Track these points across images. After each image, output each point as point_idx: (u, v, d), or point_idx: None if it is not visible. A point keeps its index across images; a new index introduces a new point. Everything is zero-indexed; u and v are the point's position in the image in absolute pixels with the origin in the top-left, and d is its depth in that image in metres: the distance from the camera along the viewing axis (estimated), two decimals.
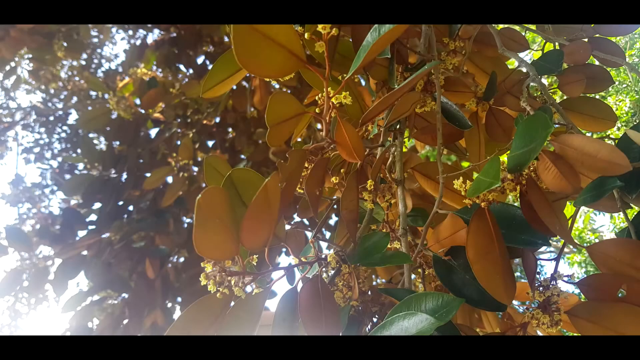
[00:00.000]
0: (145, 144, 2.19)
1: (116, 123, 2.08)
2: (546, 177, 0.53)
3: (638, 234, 0.58)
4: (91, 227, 1.92)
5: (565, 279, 0.58)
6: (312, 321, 0.53)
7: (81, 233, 1.89)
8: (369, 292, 0.69)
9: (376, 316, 0.68)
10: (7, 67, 2.61)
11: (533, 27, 0.93)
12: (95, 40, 4.05)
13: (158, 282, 1.89)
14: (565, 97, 0.85)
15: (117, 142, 2.15)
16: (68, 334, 1.83)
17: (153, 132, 2.29)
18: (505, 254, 0.55)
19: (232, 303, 0.52)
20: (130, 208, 2.08)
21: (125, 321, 1.85)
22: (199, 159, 2.28)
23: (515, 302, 0.73)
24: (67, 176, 3.41)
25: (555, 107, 0.71)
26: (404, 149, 0.77)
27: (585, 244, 0.99)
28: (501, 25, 0.93)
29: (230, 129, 2.47)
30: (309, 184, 0.64)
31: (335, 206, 0.89)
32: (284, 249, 2.06)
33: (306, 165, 0.68)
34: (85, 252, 1.83)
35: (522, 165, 0.53)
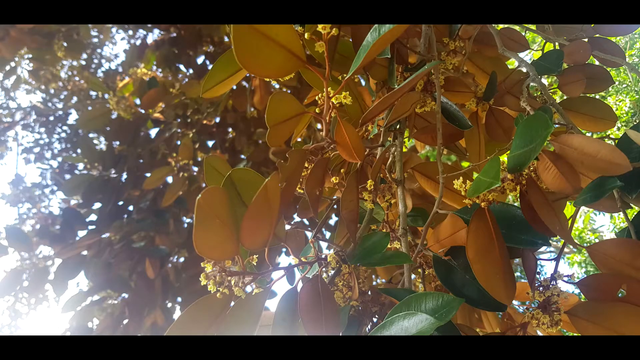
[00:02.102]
0: (145, 144, 2.19)
1: (116, 123, 2.08)
2: (546, 177, 0.53)
3: (638, 234, 0.58)
4: (91, 227, 1.92)
5: (565, 279, 0.58)
6: (312, 321, 0.53)
7: (81, 233, 1.89)
8: (369, 292, 0.69)
9: (376, 316, 0.68)
10: (7, 67, 2.61)
11: (533, 27, 0.92)
12: (95, 40, 4.05)
13: (158, 282, 1.89)
14: (565, 97, 0.85)
15: (117, 142, 2.15)
16: (68, 334, 1.83)
17: (153, 132, 2.29)
18: (505, 254, 0.55)
19: (232, 303, 0.52)
20: (130, 208, 2.08)
21: (125, 321, 1.85)
22: (199, 159, 2.28)
23: (515, 302, 0.73)
24: (67, 176, 3.41)
25: (555, 107, 0.71)
26: (404, 149, 0.77)
27: (585, 244, 0.99)
28: (501, 25, 0.93)
29: (230, 129, 2.47)
30: (309, 184, 0.64)
31: (335, 206, 0.89)
32: (284, 249, 2.06)
33: (306, 165, 0.68)
34: (85, 252, 1.83)
35: (522, 165, 0.53)
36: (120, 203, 2.04)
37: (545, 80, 0.88)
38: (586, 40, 0.89)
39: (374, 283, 1.42)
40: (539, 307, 0.56)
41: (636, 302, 0.52)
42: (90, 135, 3.06)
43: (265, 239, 0.51)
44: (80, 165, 3.27)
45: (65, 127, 4.43)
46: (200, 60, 2.45)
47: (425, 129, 0.83)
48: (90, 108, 2.78)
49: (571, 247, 4.11)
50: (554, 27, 0.91)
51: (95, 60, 4.34)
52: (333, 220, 2.18)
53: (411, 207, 0.81)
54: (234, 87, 2.04)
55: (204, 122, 2.31)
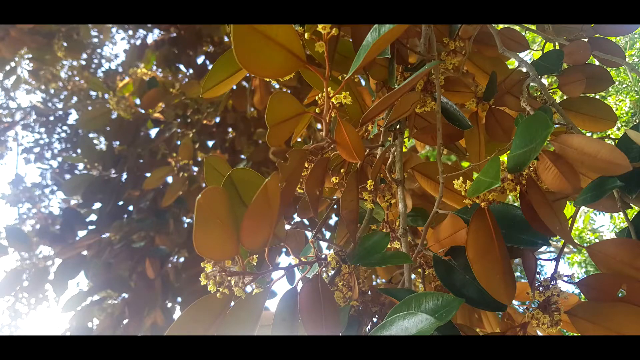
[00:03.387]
0: (145, 144, 2.19)
1: (116, 123, 2.08)
2: (546, 177, 0.53)
3: (638, 234, 0.58)
4: (91, 227, 1.92)
5: (565, 279, 0.58)
6: (312, 321, 0.53)
7: (81, 233, 1.89)
8: (369, 292, 0.69)
9: (376, 316, 0.68)
10: (7, 67, 2.61)
11: (533, 27, 0.92)
12: (95, 40, 4.05)
13: (158, 282, 1.89)
14: (565, 97, 0.85)
15: (117, 142, 2.15)
16: (68, 334, 1.83)
17: (153, 132, 2.29)
18: (505, 254, 0.55)
19: (232, 303, 0.52)
20: (130, 208, 2.08)
21: (125, 321, 1.85)
22: (199, 159, 2.28)
23: (515, 302, 0.73)
24: (67, 176, 3.42)
25: (555, 107, 0.71)
26: (404, 149, 0.77)
27: (585, 244, 0.99)
28: (501, 25, 0.93)
29: (230, 129, 2.47)
30: (309, 184, 0.64)
31: (335, 206, 0.89)
32: (284, 249, 2.06)
33: (306, 165, 0.68)
34: (85, 252, 1.83)
35: (522, 165, 0.53)
36: (120, 203, 2.04)
37: (545, 80, 0.88)
38: (586, 40, 0.89)
39: (374, 283, 1.42)
40: (539, 307, 0.56)
41: (636, 302, 0.52)
42: (90, 135, 3.05)
43: (265, 239, 0.51)
44: (80, 165, 3.28)
45: (65, 127, 4.43)
46: (200, 60, 2.46)
47: (425, 129, 0.83)
48: (90, 108, 2.77)
49: (571, 247, 4.11)
50: (554, 27, 0.91)
51: (95, 60, 4.34)
52: (333, 220, 2.18)
53: (411, 207, 0.81)
54: (234, 87, 2.04)
55: (204, 122, 2.31)
